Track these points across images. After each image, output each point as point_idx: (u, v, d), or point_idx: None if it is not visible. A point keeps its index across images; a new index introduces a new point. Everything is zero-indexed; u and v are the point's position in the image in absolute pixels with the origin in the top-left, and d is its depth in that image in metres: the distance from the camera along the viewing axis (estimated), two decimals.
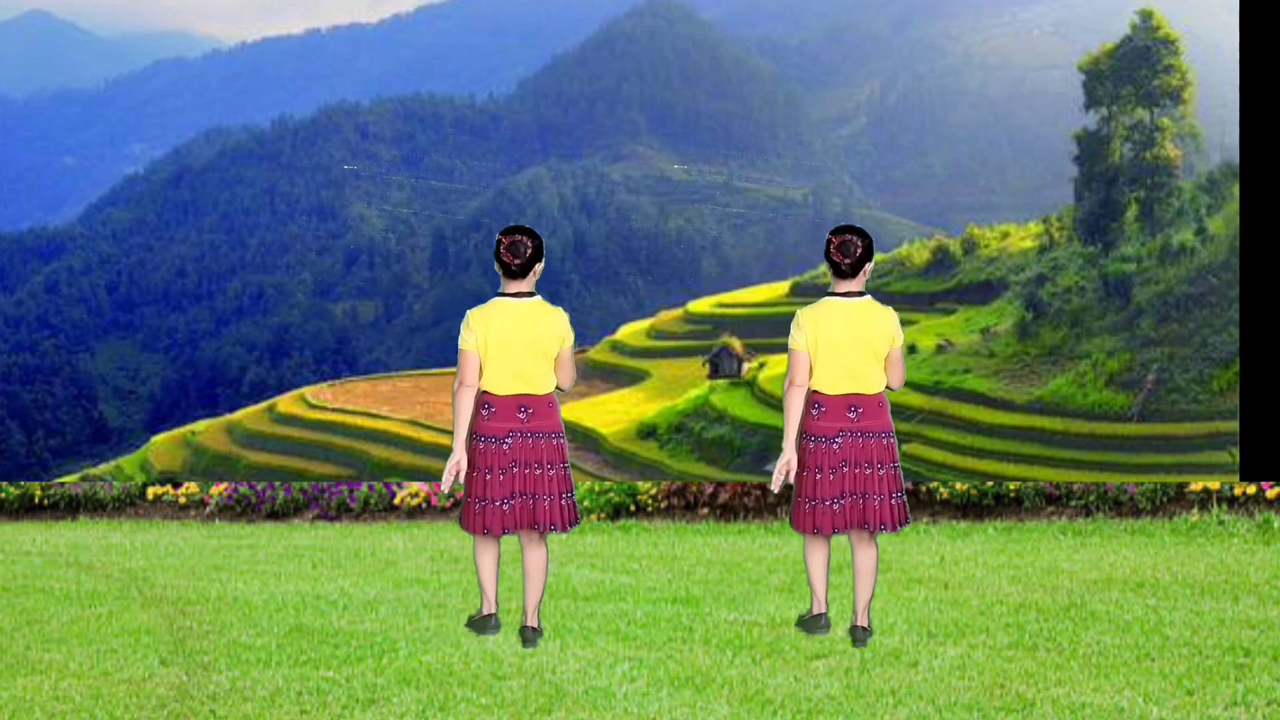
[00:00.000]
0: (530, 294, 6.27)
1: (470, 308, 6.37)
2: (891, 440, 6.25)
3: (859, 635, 6.22)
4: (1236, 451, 16.86)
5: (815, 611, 6.52)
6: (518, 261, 6.19)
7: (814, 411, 6.21)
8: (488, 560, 6.46)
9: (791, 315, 6.38)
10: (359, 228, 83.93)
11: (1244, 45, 10.29)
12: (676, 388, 36.68)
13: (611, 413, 35.02)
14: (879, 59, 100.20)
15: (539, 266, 6.28)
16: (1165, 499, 11.00)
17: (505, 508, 6.23)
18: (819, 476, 6.19)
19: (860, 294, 6.23)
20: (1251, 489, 10.66)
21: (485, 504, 6.23)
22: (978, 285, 36.53)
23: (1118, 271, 31.64)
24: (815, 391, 6.22)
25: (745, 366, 35.05)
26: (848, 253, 6.16)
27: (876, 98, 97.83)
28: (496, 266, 6.27)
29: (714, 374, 35.40)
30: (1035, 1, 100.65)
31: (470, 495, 6.28)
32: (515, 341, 6.17)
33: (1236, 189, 28.94)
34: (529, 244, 6.20)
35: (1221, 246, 29.47)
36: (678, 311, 44.96)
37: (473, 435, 6.27)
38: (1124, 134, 33.02)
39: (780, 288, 43.29)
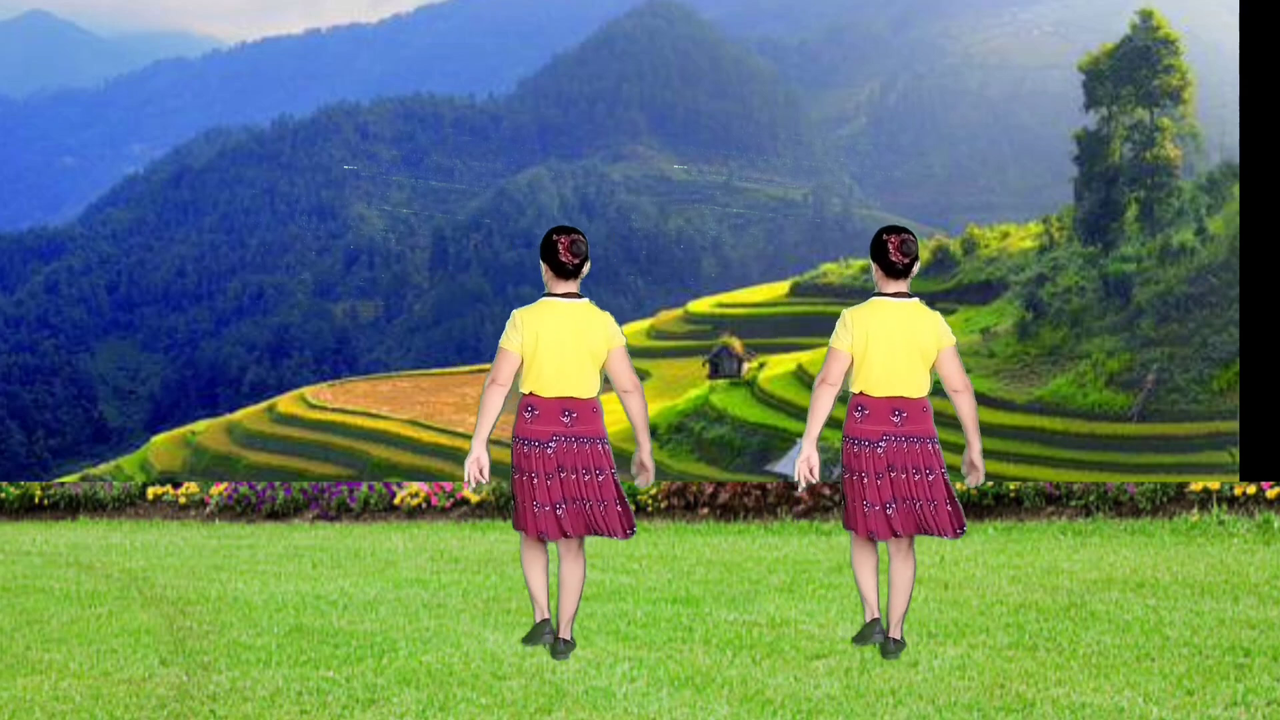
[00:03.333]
0: (578, 295, 6.12)
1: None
2: (936, 445, 6.08)
3: (890, 648, 6.07)
4: (1236, 451, 16.87)
5: (869, 618, 6.35)
6: (576, 261, 6.04)
7: (857, 415, 6.08)
8: (536, 569, 6.28)
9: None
10: (359, 228, 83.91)
11: (1244, 45, 10.29)
12: (676, 388, 36.68)
13: (612, 412, 34.82)
14: (879, 59, 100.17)
15: (586, 266, 6.13)
16: (1165, 499, 11.00)
17: (560, 513, 6.05)
18: (865, 481, 6.06)
19: (909, 295, 6.09)
20: (1251, 489, 10.66)
21: (539, 507, 6.05)
22: (978, 285, 36.53)
23: (1118, 271, 31.65)
24: (860, 394, 6.08)
25: (745, 366, 35.04)
26: (909, 252, 6.03)
27: (876, 98, 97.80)
28: (545, 266, 6.09)
29: (714, 374, 35.41)
30: (1035, 1, 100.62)
31: (520, 498, 6.10)
32: (564, 343, 6.04)
33: (1236, 189, 28.94)
34: (584, 243, 6.07)
35: (1221, 246, 29.48)
36: (678, 311, 44.95)
37: (515, 438, 6.10)
38: (1124, 134, 33.03)
39: (780, 288, 43.25)
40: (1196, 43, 38.27)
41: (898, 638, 6.10)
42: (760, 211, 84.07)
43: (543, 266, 6.12)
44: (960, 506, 6.13)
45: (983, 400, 30.05)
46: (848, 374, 6.12)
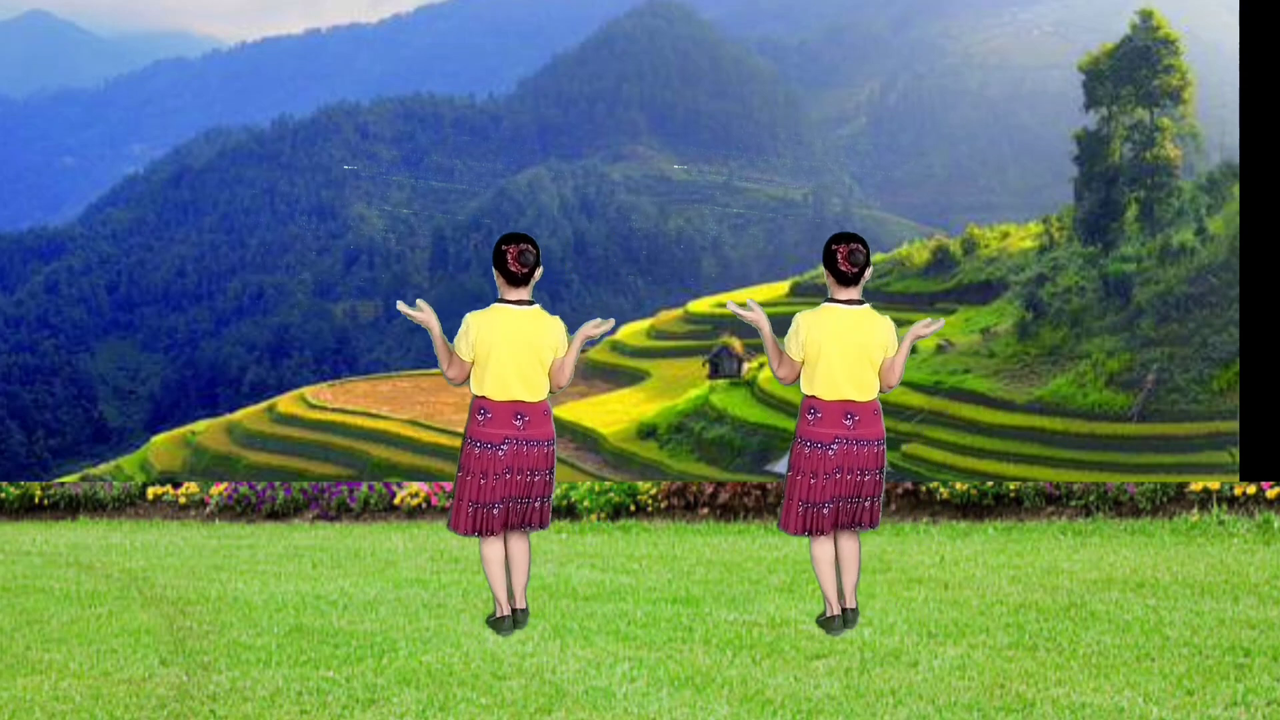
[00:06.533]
0: (530, 301, 6.31)
1: (470, 307, 6.36)
2: (883, 447, 6.35)
3: (848, 617, 6.37)
4: (1236, 451, 16.86)
5: (829, 614, 6.57)
6: (525, 270, 6.23)
7: (809, 417, 6.28)
8: (495, 563, 6.53)
9: (791, 315, 6.38)
10: (359, 228, 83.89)
11: (1244, 45, 10.29)
12: (676, 388, 36.66)
13: (611, 413, 34.99)
14: (879, 59, 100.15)
15: (538, 272, 6.32)
16: (1165, 499, 11.00)
17: (495, 511, 6.30)
18: (813, 481, 6.26)
19: (860, 301, 6.28)
20: (1251, 489, 10.65)
21: (476, 507, 6.30)
22: (978, 285, 36.50)
23: (1118, 271, 31.64)
24: (811, 397, 6.28)
25: (745, 366, 35.03)
26: (856, 262, 6.23)
27: (876, 98, 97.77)
28: (496, 274, 6.28)
29: (714, 374, 35.39)
30: (1035, 1, 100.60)
31: (461, 498, 6.35)
32: (515, 349, 6.21)
33: (1236, 189, 28.93)
34: (534, 252, 6.27)
35: (1221, 246, 29.46)
36: (678, 311, 44.94)
37: (467, 439, 6.33)
38: (1124, 134, 33.01)
39: (780, 288, 43.25)
40: (1196, 43, 38.23)
41: (852, 606, 6.40)
42: (760, 211, 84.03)
43: (495, 273, 6.29)
44: (880, 506, 6.46)
45: (983, 400, 30.16)
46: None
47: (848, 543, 6.44)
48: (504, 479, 6.28)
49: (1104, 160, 33.06)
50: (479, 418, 6.28)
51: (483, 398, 6.27)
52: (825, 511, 6.27)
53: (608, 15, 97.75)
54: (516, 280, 6.24)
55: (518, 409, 6.26)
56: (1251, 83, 10.08)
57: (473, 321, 6.26)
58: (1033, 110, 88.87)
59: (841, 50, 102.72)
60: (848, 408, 6.22)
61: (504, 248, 6.25)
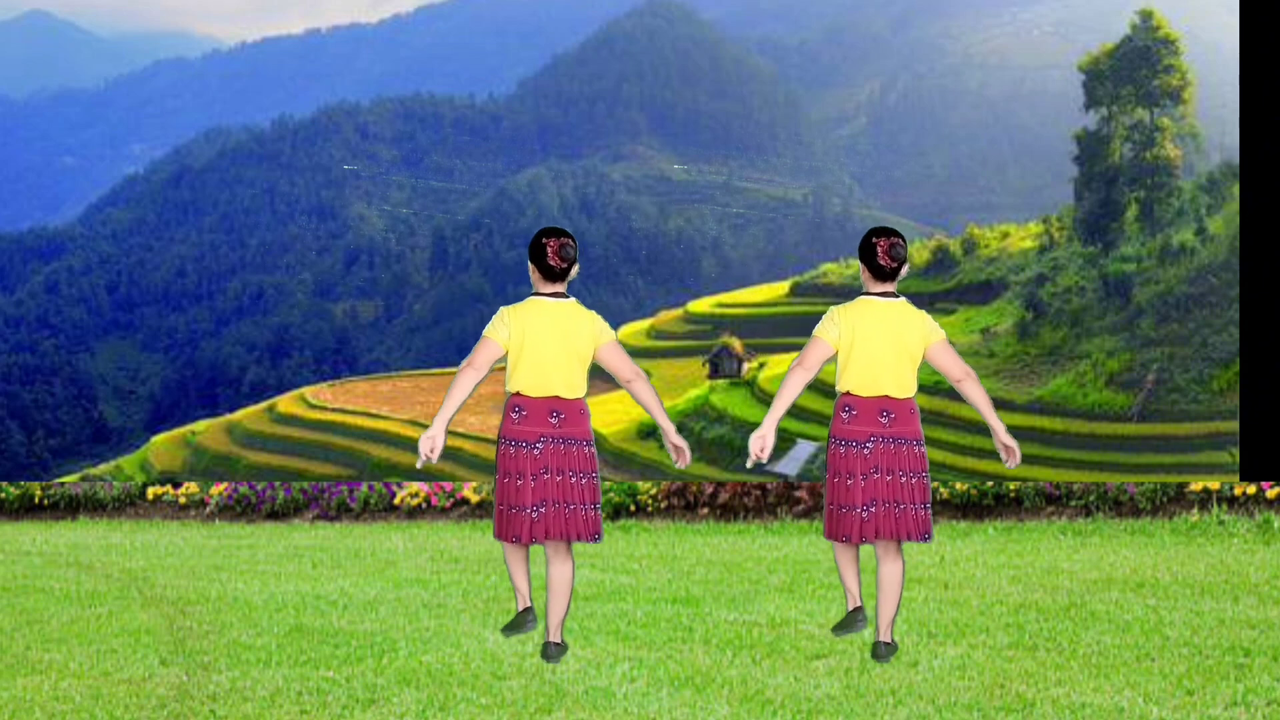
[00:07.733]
0: (565, 295, 6.08)
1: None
2: (923, 449, 6.14)
3: (881, 651, 6.01)
4: (1236, 451, 16.86)
5: (851, 607, 6.38)
6: (565, 265, 6.00)
7: (844, 415, 6.05)
8: (518, 563, 6.33)
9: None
10: (359, 228, 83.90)
11: (1244, 45, 10.29)
12: (676, 388, 36.65)
13: (611, 413, 34.97)
14: (879, 59, 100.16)
15: (575, 269, 6.09)
16: (1165, 499, 11.00)
17: (535, 515, 6.00)
18: (850, 483, 6.02)
19: (895, 295, 6.10)
20: (1251, 489, 10.65)
21: (516, 511, 6.01)
22: (978, 285, 36.50)
23: (1118, 271, 31.65)
24: (847, 394, 6.05)
25: (745, 366, 35.03)
26: (897, 256, 6.02)
27: (876, 98, 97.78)
28: (532, 268, 6.05)
29: (714, 374, 35.39)
30: (1035, 1, 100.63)
31: (501, 502, 6.07)
32: (552, 342, 5.97)
33: (1236, 189, 28.94)
34: (573, 246, 6.03)
35: (1221, 246, 29.47)
36: (678, 311, 44.94)
37: (501, 439, 6.07)
38: (1124, 134, 33.02)
39: (780, 288, 43.24)
40: (1196, 43, 38.25)
41: (888, 640, 6.03)
42: (760, 211, 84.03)
43: (530, 267, 6.07)
44: (930, 514, 6.11)
45: None
46: (834, 371, 6.10)
47: (889, 566, 6.05)
48: (542, 480, 5.97)
49: (1104, 160, 33.07)
50: (513, 416, 6.00)
51: (517, 394, 6.00)
52: (865, 516, 5.98)
53: (608, 15, 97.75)
54: (554, 275, 6.00)
55: (553, 405, 5.99)
56: (1251, 83, 10.08)
57: (509, 313, 6.02)
58: (1033, 110, 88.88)
59: (841, 50, 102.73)
60: (883, 404, 6.04)
61: (544, 241, 6.00)
